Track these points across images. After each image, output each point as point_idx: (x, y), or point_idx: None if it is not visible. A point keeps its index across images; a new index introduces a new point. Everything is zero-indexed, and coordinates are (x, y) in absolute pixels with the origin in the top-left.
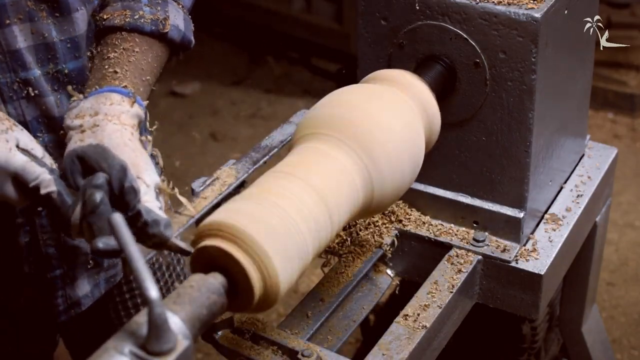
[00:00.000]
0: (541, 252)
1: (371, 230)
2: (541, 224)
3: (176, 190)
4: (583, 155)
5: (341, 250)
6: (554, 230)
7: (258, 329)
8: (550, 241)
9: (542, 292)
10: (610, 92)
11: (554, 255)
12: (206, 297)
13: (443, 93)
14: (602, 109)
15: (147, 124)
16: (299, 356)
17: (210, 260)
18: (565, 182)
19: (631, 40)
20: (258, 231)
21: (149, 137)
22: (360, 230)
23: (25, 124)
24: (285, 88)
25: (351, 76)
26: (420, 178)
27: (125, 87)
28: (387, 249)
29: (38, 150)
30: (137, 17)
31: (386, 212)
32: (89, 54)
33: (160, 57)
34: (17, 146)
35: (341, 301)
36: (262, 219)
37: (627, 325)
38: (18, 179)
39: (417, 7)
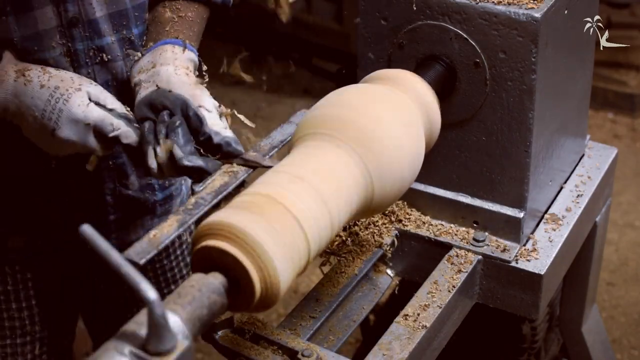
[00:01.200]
0: (541, 252)
1: (371, 230)
2: (541, 224)
3: (234, 111)
4: (583, 155)
5: (341, 250)
6: (554, 230)
7: (258, 328)
8: (550, 241)
9: (542, 292)
10: (610, 92)
11: (554, 255)
12: (206, 297)
13: (443, 93)
14: (602, 109)
15: (203, 67)
16: (299, 356)
17: (210, 260)
18: (565, 182)
19: (631, 40)
20: (258, 231)
21: (205, 79)
22: (360, 230)
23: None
24: (285, 88)
25: (351, 76)
26: (420, 178)
27: (175, 37)
28: (387, 249)
29: (109, 100)
30: None
31: (386, 212)
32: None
33: (204, 17)
34: (90, 99)
35: (341, 301)
36: (262, 218)
37: (627, 325)
38: (98, 131)
39: (417, 7)
